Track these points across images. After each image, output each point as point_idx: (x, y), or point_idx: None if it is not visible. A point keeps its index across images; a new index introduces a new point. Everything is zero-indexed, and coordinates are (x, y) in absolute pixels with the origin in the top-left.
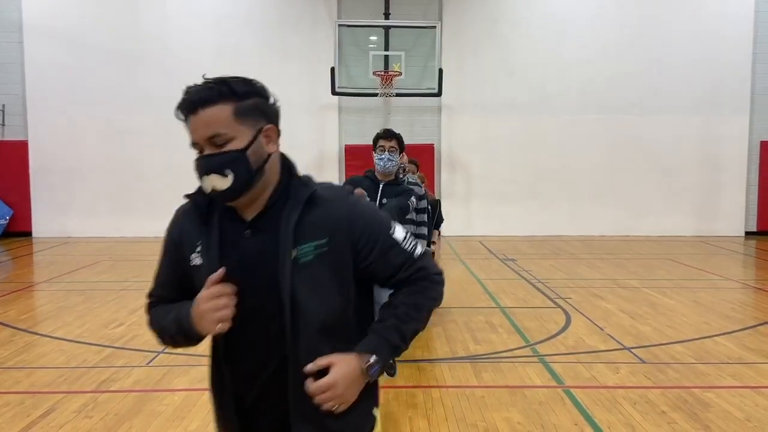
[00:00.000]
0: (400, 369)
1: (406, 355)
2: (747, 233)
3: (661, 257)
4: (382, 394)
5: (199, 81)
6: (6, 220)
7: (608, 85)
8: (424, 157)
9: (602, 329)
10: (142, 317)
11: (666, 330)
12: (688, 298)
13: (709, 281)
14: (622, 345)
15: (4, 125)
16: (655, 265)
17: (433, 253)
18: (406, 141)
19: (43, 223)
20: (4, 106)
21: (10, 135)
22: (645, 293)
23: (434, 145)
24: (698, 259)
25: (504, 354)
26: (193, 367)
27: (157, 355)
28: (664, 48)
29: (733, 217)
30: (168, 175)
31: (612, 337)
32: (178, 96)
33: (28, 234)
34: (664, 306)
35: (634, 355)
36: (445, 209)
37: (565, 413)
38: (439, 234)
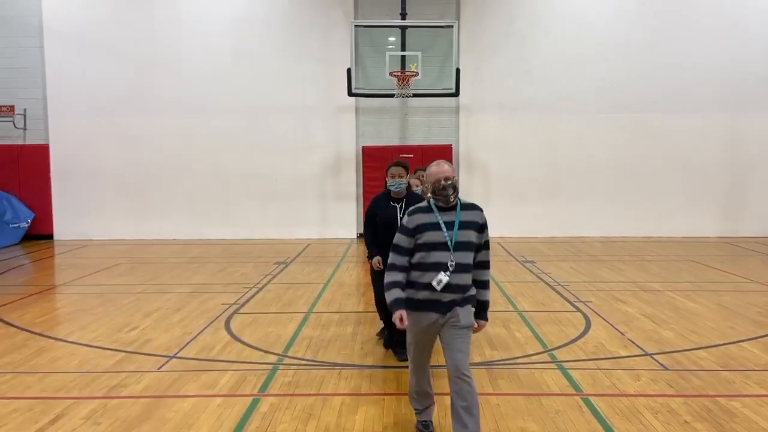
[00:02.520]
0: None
1: None
2: None
3: (685, 259)
4: (392, 402)
5: (214, 84)
6: (28, 222)
7: (628, 83)
8: (441, 157)
9: (623, 334)
10: (156, 321)
11: (689, 335)
12: (712, 301)
13: (734, 284)
14: (643, 351)
15: (25, 129)
16: (679, 267)
17: None
18: (424, 142)
19: (64, 225)
20: (25, 110)
21: (32, 139)
22: (668, 296)
23: (452, 146)
24: (723, 261)
25: (521, 360)
26: (204, 372)
27: (168, 360)
28: (686, 44)
29: (760, 217)
30: (185, 178)
31: (633, 343)
32: (194, 100)
33: (49, 237)
34: (687, 310)
35: (656, 361)
36: None
37: (583, 422)
38: None
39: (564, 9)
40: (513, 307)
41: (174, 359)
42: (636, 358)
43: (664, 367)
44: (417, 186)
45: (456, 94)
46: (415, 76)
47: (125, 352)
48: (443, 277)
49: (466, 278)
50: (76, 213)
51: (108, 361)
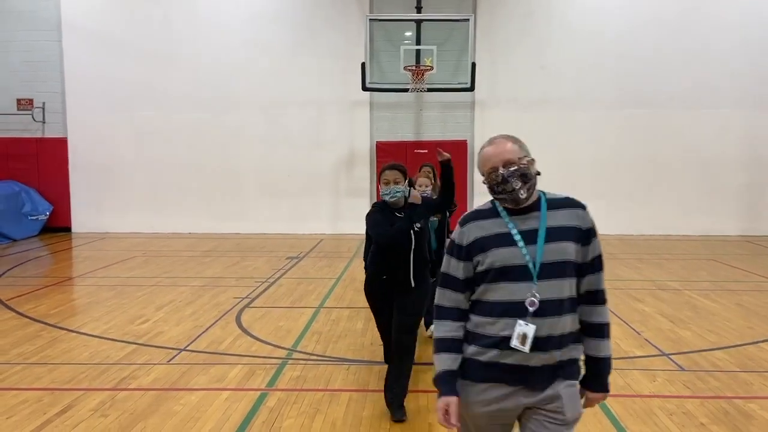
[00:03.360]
0: (422, 372)
1: (426, 357)
2: None
3: (704, 258)
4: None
5: (230, 79)
6: (46, 215)
7: (647, 79)
8: (456, 153)
9: (639, 333)
10: (168, 313)
11: (707, 335)
12: (731, 301)
13: (754, 283)
14: (660, 351)
15: (44, 122)
16: (698, 266)
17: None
18: (438, 137)
19: (81, 218)
20: (44, 104)
21: (50, 132)
22: (686, 296)
23: (467, 142)
24: (743, 259)
25: None
26: (212, 366)
27: (178, 353)
28: (706, 39)
29: None
30: (200, 173)
31: (649, 342)
32: (210, 95)
33: (67, 229)
34: (706, 309)
35: (673, 361)
36: (479, 205)
37: (595, 423)
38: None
39: (582, 3)
40: None
41: (184, 352)
42: (652, 358)
43: (681, 367)
44: (426, 187)
45: (471, 89)
46: (430, 70)
47: (136, 344)
48: (526, 329)
49: (566, 324)
50: (93, 206)
51: (119, 353)
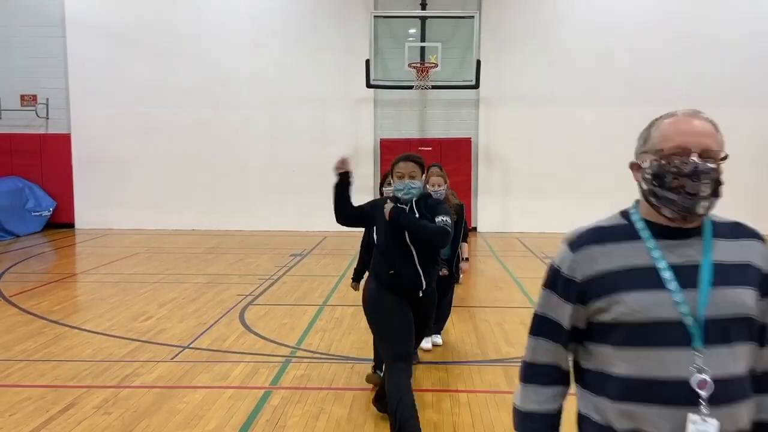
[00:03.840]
0: (427, 371)
1: (433, 356)
2: None
3: None
4: None
5: (234, 76)
6: (50, 211)
7: (655, 76)
8: (460, 151)
9: None
10: (171, 310)
11: None
12: None
13: None
14: None
15: (48, 118)
16: None
17: (460, 275)
18: (443, 135)
19: (85, 214)
20: (48, 99)
21: (54, 128)
22: None
23: (471, 139)
24: None
25: (517, 360)
26: (216, 364)
27: (182, 350)
28: (716, 35)
29: None
30: (203, 169)
31: None
32: (213, 91)
33: (71, 225)
34: None
35: None
36: (482, 205)
37: None
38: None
39: None
40: (531, 304)
41: (187, 350)
42: None
43: None
44: (439, 186)
45: (476, 86)
46: (435, 67)
47: (139, 341)
48: (705, 427)
49: (744, 417)
50: (97, 202)
51: (122, 350)
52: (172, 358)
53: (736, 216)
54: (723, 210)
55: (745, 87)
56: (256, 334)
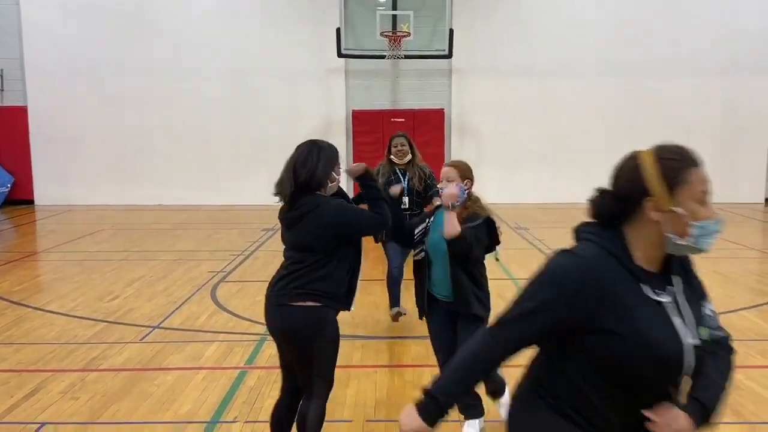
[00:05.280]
0: (406, 346)
1: (411, 331)
2: (767, 200)
3: None
4: (384, 374)
5: (200, 46)
6: (7, 187)
7: (626, 48)
8: (433, 122)
9: None
10: (139, 289)
11: None
12: (709, 268)
13: (730, 251)
14: None
15: (3, 90)
16: None
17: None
18: (415, 106)
19: (44, 190)
20: (2, 70)
21: (9, 100)
22: None
23: (444, 110)
24: None
25: None
26: (188, 344)
27: (151, 331)
28: (686, 7)
29: (754, 183)
30: (169, 143)
31: None
32: (178, 61)
33: (30, 202)
34: None
35: None
36: None
37: None
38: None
39: None
40: (507, 275)
41: (157, 329)
42: None
43: None
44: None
45: (449, 56)
46: (407, 36)
47: (106, 322)
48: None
49: None
50: (57, 177)
51: (88, 332)
52: (141, 339)
53: None
54: None
55: (713, 58)
56: (229, 312)
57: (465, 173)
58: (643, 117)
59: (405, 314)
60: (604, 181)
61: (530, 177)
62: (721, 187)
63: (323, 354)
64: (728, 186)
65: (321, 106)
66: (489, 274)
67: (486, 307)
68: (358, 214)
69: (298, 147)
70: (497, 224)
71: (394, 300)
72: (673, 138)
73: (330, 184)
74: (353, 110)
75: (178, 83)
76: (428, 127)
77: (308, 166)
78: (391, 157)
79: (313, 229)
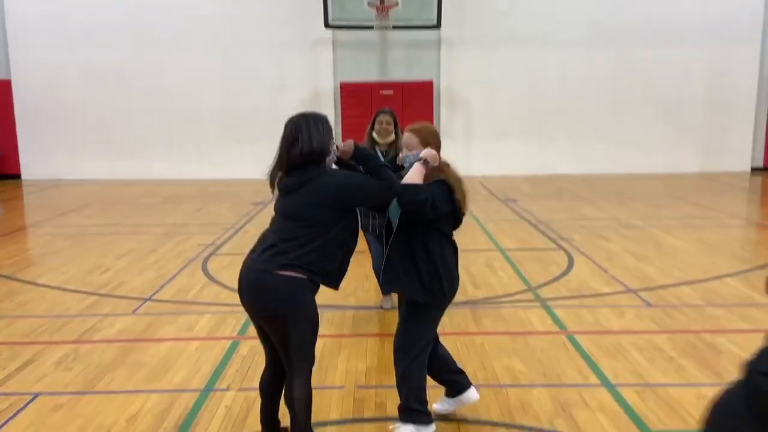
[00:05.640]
0: (395, 316)
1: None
2: (753, 169)
3: (666, 195)
4: (375, 343)
5: (186, 18)
6: None
7: (614, 17)
8: (422, 94)
9: (606, 271)
10: (130, 263)
11: (672, 271)
12: (694, 237)
13: (715, 219)
14: (626, 287)
15: None
16: (660, 203)
17: None
18: (404, 78)
19: (31, 165)
20: None
21: None
22: (650, 233)
23: (433, 82)
24: (704, 196)
25: (504, 298)
26: (180, 315)
27: (143, 303)
28: None
29: (740, 152)
30: (156, 116)
31: (616, 279)
32: (165, 34)
33: (17, 176)
34: (669, 246)
35: (640, 297)
36: (444, 148)
37: (568, 360)
38: None
39: None
40: (495, 246)
41: (149, 302)
42: (619, 294)
43: (648, 303)
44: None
45: (438, 25)
46: (395, 6)
47: (98, 295)
48: None
49: None
50: (44, 151)
51: (80, 305)
52: (133, 311)
53: (691, 151)
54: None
55: (701, 28)
56: (220, 284)
57: (426, 138)
58: (629, 87)
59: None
60: (592, 152)
61: (519, 149)
62: (707, 157)
63: (300, 332)
64: (714, 155)
65: (309, 79)
66: (476, 244)
67: (428, 291)
68: (364, 179)
69: (290, 120)
70: (460, 192)
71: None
72: (657, 108)
73: (328, 158)
74: (341, 82)
75: (164, 55)
76: (417, 99)
77: (300, 145)
78: (374, 134)
79: (312, 197)
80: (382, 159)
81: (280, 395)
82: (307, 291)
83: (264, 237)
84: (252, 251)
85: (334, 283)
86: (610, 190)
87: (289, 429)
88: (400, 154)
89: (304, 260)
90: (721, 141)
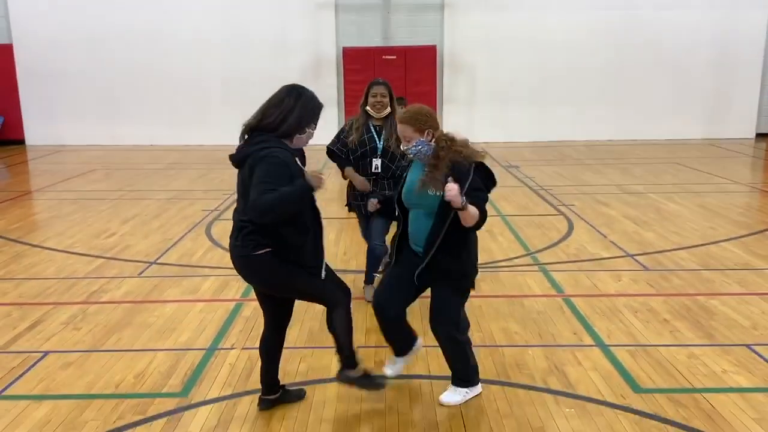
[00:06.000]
0: None
1: None
2: (758, 135)
3: (669, 161)
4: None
5: None
6: None
7: None
8: (425, 59)
9: (605, 236)
10: (135, 227)
11: (671, 236)
12: (694, 203)
13: (717, 185)
14: (625, 252)
15: None
16: (662, 169)
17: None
18: (407, 42)
19: (35, 130)
20: None
21: None
22: (651, 199)
23: (436, 47)
24: (707, 162)
25: (503, 263)
26: (185, 278)
27: (148, 266)
28: None
29: (745, 118)
30: (158, 81)
31: (615, 245)
32: None
33: (21, 142)
34: (669, 212)
35: (637, 262)
36: (447, 114)
37: (563, 322)
38: None
39: None
40: (496, 212)
41: (154, 265)
42: (617, 259)
43: (645, 267)
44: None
45: None
46: None
47: (104, 258)
48: None
49: None
50: (47, 117)
51: (86, 267)
52: (139, 274)
53: (695, 117)
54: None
55: None
56: (224, 248)
57: (420, 125)
58: (634, 52)
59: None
60: (595, 118)
61: (522, 115)
62: (712, 123)
63: (303, 285)
64: (719, 121)
65: (311, 43)
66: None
67: (464, 273)
68: (261, 184)
69: (281, 88)
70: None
71: (370, 278)
72: (662, 73)
73: (299, 136)
74: (344, 47)
75: (165, 19)
76: (420, 64)
77: (281, 109)
78: (368, 108)
79: (247, 177)
80: (378, 141)
81: (280, 355)
82: (280, 262)
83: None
84: (230, 234)
85: (315, 271)
86: (613, 157)
87: (287, 387)
88: (402, 146)
89: (269, 239)
90: (727, 107)
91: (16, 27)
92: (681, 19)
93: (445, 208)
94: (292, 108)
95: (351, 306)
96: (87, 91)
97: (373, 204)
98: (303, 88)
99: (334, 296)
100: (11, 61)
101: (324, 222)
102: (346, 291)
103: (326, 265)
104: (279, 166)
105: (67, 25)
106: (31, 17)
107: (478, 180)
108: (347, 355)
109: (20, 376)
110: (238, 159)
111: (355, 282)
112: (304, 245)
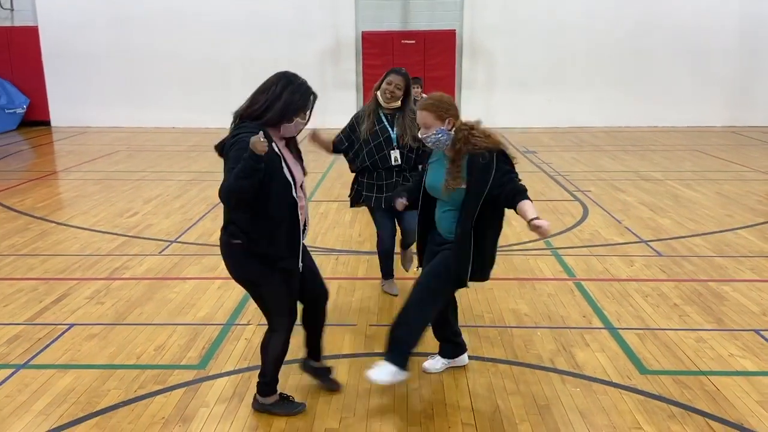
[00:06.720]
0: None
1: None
2: None
3: (689, 148)
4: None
5: None
6: (24, 108)
7: None
8: (445, 44)
9: (620, 222)
10: (156, 207)
11: (687, 223)
12: (712, 190)
13: (736, 173)
14: (639, 238)
15: (12, 10)
16: (681, 156)
17: None
18: (426, 27)
19: (60, 112)
20: None
21: (20, 20)
22: (668, 185)
23: (455, 32)
24: (727, 150)
25: (516, 247)
26: (204, 257)
27: (169, 245)
28: None
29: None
30: (179, 63)
31: (629, 230)
32: None
33: (46, 123)
34: (686, 198)
35: (651, 248)
36: (466, 100)
37: (573, 305)
38: None
39: None
40: None
41: (175, 243)
42: (631, 245)
43: (658, 253)
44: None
45: None
46: None
47: (127, 236)
48: None
49: None
50: (71, 99)
51: (110, 245)
52: (160, 252)
53: (717, 103)
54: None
55: None
56: None
57: (440, 113)
58: (655, 37)
59: (396, 295)
60: (615, 104)
61: (541, 100)
62: (735, 109)
63: (267, 294)
64: (744, 109)
65: (330, 27)
66: None
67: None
68: (232, 168)
69: (273, 74)
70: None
71: (387, 272)
72: (683, 59)
73: (286, 125)
74: (363, 31)
75: (187, 3)
76: (439, 49)
77: (267, 96)
78: (378, 95)
79: (225, 166)
80: (391, 130)
81: (315, 327)
82: (254, 259)
83: None
84: None
85: (290, 264)
86: (632, 143)
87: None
88: (420, 133)
89: (243, 228)
90: (752, 95)
91: (41, 10)
92: (704, 3)
93: (471, 201)
94: (278, 95)
95: (291, 333)
96: (111, 73)
97: (401, 204)
98: (294, 75)
99: (281, 320)
100: (37, 43)
101: (308, 213)
102: (293, 317)
103: (310, 259)
104: (244, 150)
105: (91, 8)
106: (56, 0)
107: (503, 165)
108: (266, 382)
109: (46, 346)
110: (219, 149)
111: (368, 262)
112: (275, 235)
